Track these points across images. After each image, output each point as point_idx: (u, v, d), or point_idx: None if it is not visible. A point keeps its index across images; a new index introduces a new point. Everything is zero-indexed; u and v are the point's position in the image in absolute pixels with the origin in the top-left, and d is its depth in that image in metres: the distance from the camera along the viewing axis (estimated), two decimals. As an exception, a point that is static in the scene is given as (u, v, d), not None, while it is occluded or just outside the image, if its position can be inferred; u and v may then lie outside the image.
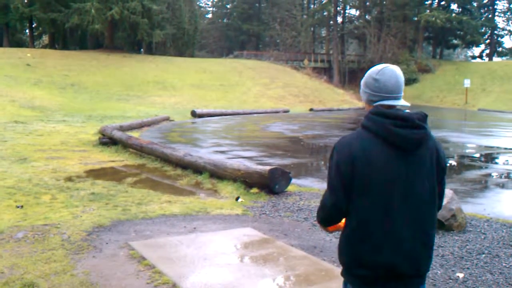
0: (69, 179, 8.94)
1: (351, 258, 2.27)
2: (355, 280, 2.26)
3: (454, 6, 62.20)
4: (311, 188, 8.58)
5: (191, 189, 8.56)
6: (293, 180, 8.42)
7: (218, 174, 8.93)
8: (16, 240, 5.31)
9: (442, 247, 5.43)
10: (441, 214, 5.97)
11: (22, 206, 6.84)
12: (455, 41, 65.54)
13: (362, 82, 2.38)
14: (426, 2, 60.70)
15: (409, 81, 54.34)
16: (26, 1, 49.22)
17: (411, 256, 2.18)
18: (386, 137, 2.17)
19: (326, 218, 2.36)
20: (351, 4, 65.80)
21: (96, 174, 9.63)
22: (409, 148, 2.18)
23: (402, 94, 2.31)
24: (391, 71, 2.29)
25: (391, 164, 2.16)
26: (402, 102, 2.30)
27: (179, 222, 6.27)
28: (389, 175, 2.16)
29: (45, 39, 63.88)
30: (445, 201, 6.10)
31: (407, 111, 2.25)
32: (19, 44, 56.71)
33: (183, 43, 57.25)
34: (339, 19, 64.79)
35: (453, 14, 58.28)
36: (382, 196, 2.16)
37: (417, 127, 2.18)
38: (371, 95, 2.31)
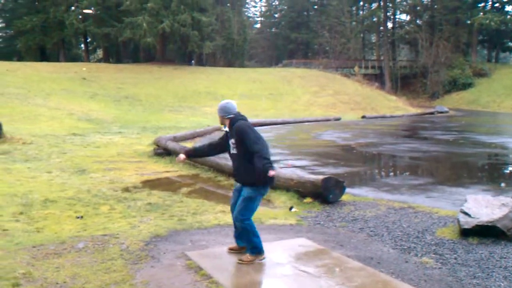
0: (126, 189, 9.16)
1: None
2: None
3: (509, 8, 60.13)
4: (366, 197, 8.46)
5: (244, 199, 8.58)
6: (347, 190, 8.31)
7: (271, 183, 8.92)
8: (77, 250, 5.47)
9: (505, 258, 5.23)
10: (503, 224, 5.76)
11: (82, 217, 7.05)
12: (511, 44, 63.27)
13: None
14: (479, 5, 58.89)
15: (464, 86, 52.83)
16: (80, 17, 51.05)
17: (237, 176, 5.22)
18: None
19: None
20: (401, 9, 64.69)
21: (152, 184, 9.83)
22: None
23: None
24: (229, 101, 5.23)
25: None
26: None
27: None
28: None
29: (100, 53, 66.09)
30: (506, 210, 5.89)
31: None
32: (74, 59, 58.85)
33: (233, 53, 57.88)
34: (389, 25, 63.88)
35: (508, 16, 56.34)
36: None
37: None
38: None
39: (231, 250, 5.38)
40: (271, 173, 4.73)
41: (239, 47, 58.15)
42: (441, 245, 5.73)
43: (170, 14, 44.89)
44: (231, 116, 5.12)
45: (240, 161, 5.07)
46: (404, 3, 63.71)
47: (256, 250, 5.10)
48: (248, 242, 5.13)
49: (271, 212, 7.45)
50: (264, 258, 5.11)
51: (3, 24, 58.03)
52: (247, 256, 5.08)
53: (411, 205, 7.75)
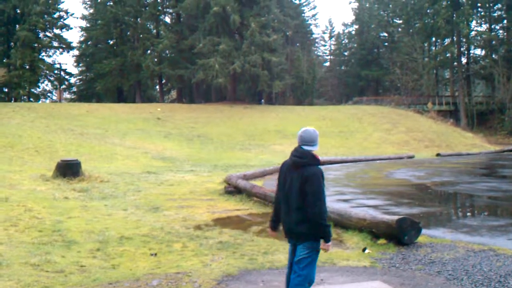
0: (198, 227, 9.27)
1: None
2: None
3: None
4: (443, 239, 8.09)
5: (315, 238, 8.46)
6: (423, 231, 8.00)
7: (342, 223, 8.77)
8: (151, 288, 5.55)
9: None
10: None
11: (156, 254, 7.18)
12: None
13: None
14: (561, 37, 56.38)
15: (548, 123, 50.23)
16: (156, 60, 53.39)
17: (288, 226, 4.42)
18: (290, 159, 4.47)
19: None
20: (475, 44, 62.90)
21: (223, 222, 9.89)
22: (293, 166, 4.40)
23: (313, 143, 4.41)
24: (305, 129, 4.47)
25: (285, 174, 4.47)
26: (310, 147, 4.40)
27: (306, 273, 6.18)
28: (283, 181, 4.48)
29: (173, 94, 68.60)
30: None
31: (308, 149, 4.39)
32: (150, 99, 61.37)
33: (302, 92, 58.33)
34: (464, 60, 62.15)
35: None
36: (281, 192, 4.51)
37: (298, 157, 4.36)
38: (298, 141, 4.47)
39: None
40: None
41: (308, 86, 58.56)
42: (527, 292, 5.37)
43: (241, 55, 46.11)
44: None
45: None
46: (479, 37, 62.00)
47: None
48: None
49: (344, 253, 7.28)
50: None
51: (84, 68, 61.66)
52: None
53: (492, 248, 7.34)
